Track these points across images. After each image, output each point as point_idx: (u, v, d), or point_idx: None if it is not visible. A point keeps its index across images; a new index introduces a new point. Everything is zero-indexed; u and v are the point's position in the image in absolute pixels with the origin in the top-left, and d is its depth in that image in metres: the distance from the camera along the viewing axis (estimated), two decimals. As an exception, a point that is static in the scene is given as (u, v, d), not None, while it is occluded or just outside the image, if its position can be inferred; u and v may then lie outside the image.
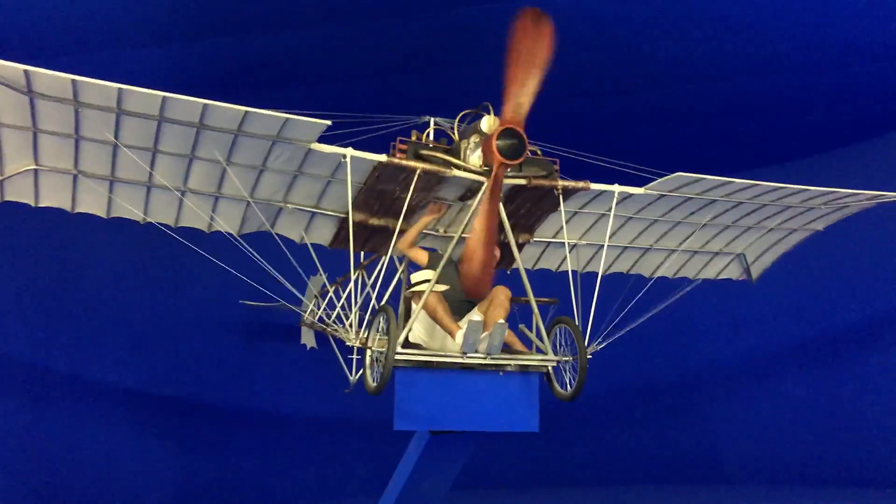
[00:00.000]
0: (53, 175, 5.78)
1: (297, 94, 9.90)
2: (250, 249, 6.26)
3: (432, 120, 6.66)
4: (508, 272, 7.03)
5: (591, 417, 12.11)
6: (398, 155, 5.88)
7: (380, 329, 5.75)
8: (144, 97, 4.93)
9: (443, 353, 5.75)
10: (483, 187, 5.79)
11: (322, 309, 8.56)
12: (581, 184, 6.33)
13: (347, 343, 6.01)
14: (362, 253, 7.15)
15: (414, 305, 6.01)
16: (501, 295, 6.16)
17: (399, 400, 5.66)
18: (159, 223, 6.30)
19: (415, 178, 5.85)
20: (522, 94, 5.34)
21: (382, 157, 5.77)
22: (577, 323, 6.07)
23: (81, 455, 11.02)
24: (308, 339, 10.20)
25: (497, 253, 5.99)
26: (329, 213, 6.50)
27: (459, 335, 5.74)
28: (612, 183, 6.47)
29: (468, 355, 5.68)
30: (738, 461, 12.24)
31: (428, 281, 5.93)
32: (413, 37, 8.36)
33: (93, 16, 7.97)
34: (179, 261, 10.89)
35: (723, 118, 10.39)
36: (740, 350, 12.57)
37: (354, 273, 7.08)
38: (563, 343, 6.10)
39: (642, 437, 12.69)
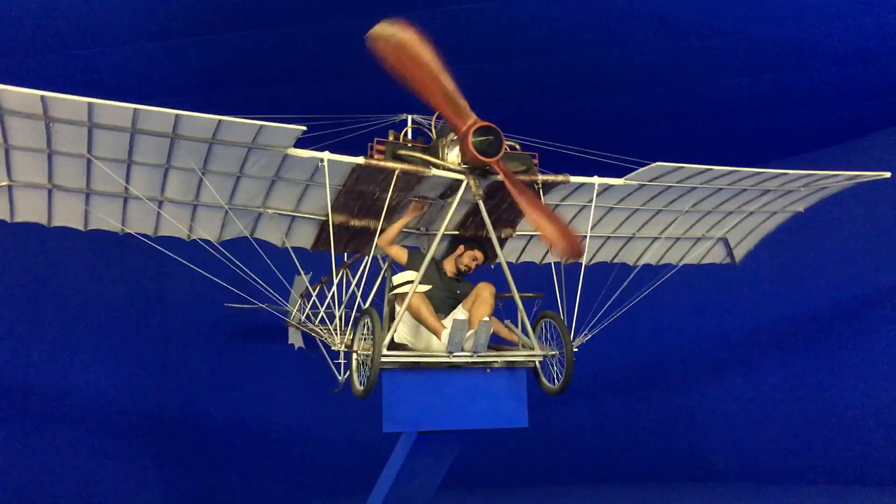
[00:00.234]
0: (28, 190, 5.72)
1: (272, 94, 9.87)
2: (231, 256, 6.23)
3: (410, 118, 6.63)
4: (493, 267, 7.03)
5: (576, 413, 12.03)
6: (376, 156, 5.85)
7: (365, 332, 5.74)
8: (115, 110, 4.88)
9: (429, 354, 5.75)
10: (462, 185, 5.80)
11: (307, 309, 8.54)
12: (561, 177, 6.32)
13: (333, 347, 5.99)
14: (345, 253, 7.13)
15: (398, 307, 6.00)
16: (485, 291, 6.17)
17: (386, 402, 5.65)
18: (138, 234, 6.27)
19: (394, 179, 5.82)
20: (446, 99, 5.28)
21: (360, 160, 5.74)
22: (561, 316, 6.08)
23: (64, 470, 10.92)
24: (295, 338, 10.17)
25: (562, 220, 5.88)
26: (309, 216, 6.46)
27: (445, 335, 5.73)
28: (592, 175, 6.47)
29: (454, 354, 5.67)
30: (726, 458, 12.16)
31: (411, 282, 5.91)
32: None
33: (80, 12, 7.86)
34: (163, 266, 10.79)
35: (716, 117, 10.41)
36: (725, 338, 12.49)
37: (337, 274, 7.08)
38: (549, 337, 6.12)
39: (629, 433, 12.57)
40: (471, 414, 5.86)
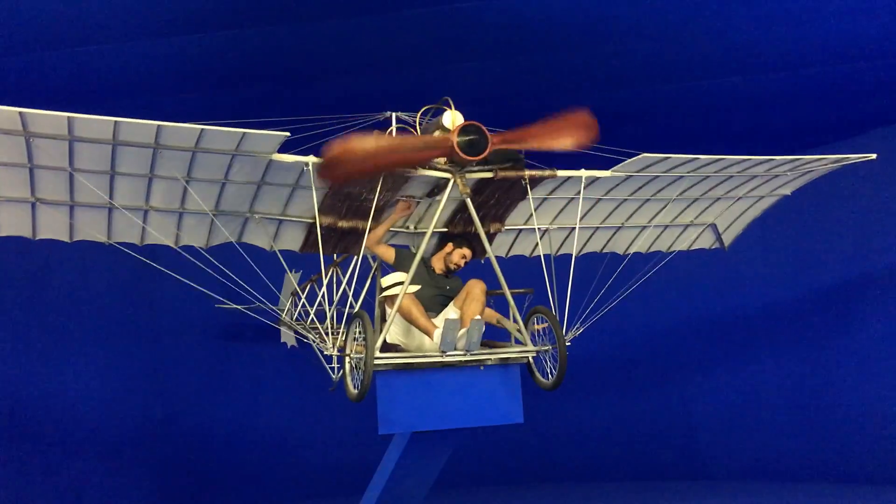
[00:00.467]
0: (11, 205, 5.66)
1: (258, 93, 9.79)
2: (218, 264, 6.21)
3: (393, 115, 6.59)
4: (483, 262, 7.02)
5: (568, 408, 11.90)
6: None
7: (356, 335, 5.72)
8: (96, 123, 4.84)
9: (422, 354, 5.75)
10: (449, 184, 5.79)
11: (298, 309, 8.50)
12: (548, 172, 6.30)
13: (325, 352, 5.98)
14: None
15: (388, 309, 5.98)
16: (476, 289, 6.15)
17: (381, 404, 5.65)
18: (125, 243, 6.23)
19: (380, 180, 5.79)
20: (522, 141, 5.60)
21: None
22: (553, 310, 6.09)
23: (54, 475, 10.88)
24: (287, 337, 10.15)
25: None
26: (297, 219, 6.43)
27: (437, 334, 5.73)
28: (579, 168, 6.45)
29: (447, 354, 5.67)
30: (721, 455, 12.01)
31: (400, 283, 5.90)
32: (374, 35, 8.27)
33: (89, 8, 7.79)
34: (153, 269, 10.71)
35: (708, 116, 10.48)
36: (720, 328, 12.33)
37: (326, 274, 7.06)
38: (542, 332, 6.12)
39: (622, 429, 12.40)
40: (466, 412, 5.86)
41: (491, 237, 6.94)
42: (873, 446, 10.84)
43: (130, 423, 11.59)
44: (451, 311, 6.18)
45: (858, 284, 11.47)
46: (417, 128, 6.23)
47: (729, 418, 12.01)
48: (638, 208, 7.33)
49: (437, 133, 5.85)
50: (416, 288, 6.10)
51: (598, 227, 7.55)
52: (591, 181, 6.55)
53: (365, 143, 5.14)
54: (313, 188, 5.72)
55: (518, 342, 6.14)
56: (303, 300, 7.75)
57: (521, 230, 7.31)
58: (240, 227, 6.42)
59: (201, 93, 9.66)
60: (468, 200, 5.88)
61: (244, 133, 5.11)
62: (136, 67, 8.96)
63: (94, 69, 8.85)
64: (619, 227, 7.61)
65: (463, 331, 5.69)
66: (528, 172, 6.21)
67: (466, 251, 6.57)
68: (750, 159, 6.56)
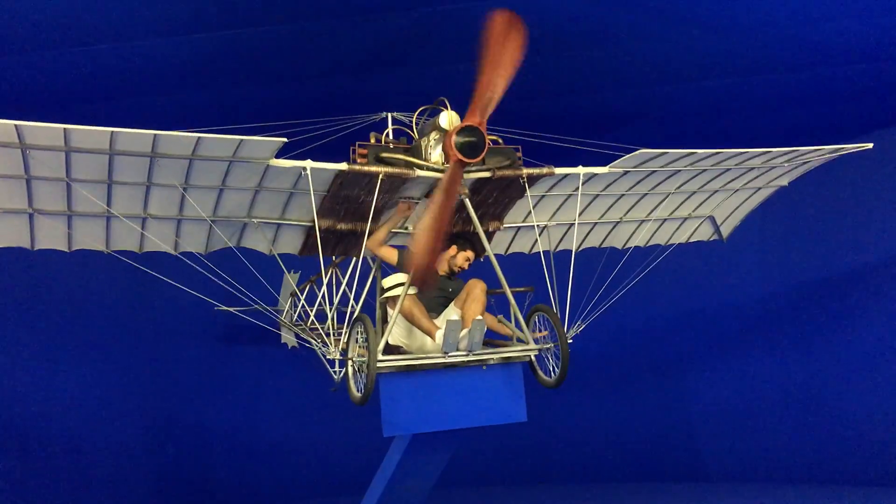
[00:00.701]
0: (8, 217, 5.65)
1: (251, 94, 9.76)
2: (216, 268, 6.21)
3: (390, 116, 6.58)
4: (482, 260, 7.01)
5: (568, 407, 11.79)
6: (359, 160, 5.80)
7: (358, 338, 5.73)
8: (92, 134, 4.82)
9: (424, 356, 5.74)
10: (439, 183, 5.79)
11: (298, 310, 8.51)
12: (545, 169, 6.29)
13: (328, 356, 5.97)
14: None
15: (390, 310, 5.98)
16: (477, 289, 6.15)
17: (385, 406, 5.65)
18: (124, 250, 6.22)
19: (378, 183, 5.79)
20: (490, 93, 5.31)
21: (343, 166, 5.69)
22: (554, 308, 6.10)
23: (55, 477, 10.87)
24: (288, 338, 10.15)
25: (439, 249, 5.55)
26: (295, 223, 6.42)
27: (439, 335, 5.73)
28: (577, 164, 6.45)
29: (450, 355, 5.68)
30: (720, 456, 11.85)
31: (401, 284, 5.90)
32: (370, 36, 8.25)
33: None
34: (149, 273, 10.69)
35: (711, 115, 10.43)
36: (720, 323, 12.20)
37: (326, 274, 7.05)
38: (543, 329, 6.13)
39: (622, 429, 12.27)
40: (469, 412, 5.87)
41: (490, 235, 6.95)
42: (873, 446, 10.72)
43: (131, 425, 11.58)
44: (452, 312, 6.18)
45: (858, 277, 11.39)
46: (414, 128, 6.21)
47: (729, 419, 11.87)
48: (636, 203, 7.34)
49: (433, 134, 5.85)
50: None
51: (596, 223, 7.54)
52: (589, 177, 6.55)
53: (424, 245, 5.16)
54: (311, 191, 5.70)
55: (520, 340, 6.14)
56: (301, 302, 7.75)
57: (519, 227, 7.31)
58: (238, 232, 6.42)
59: (198, 93, 9.65)
60: (466, 200, 5.89)
61: (241, 140, 5.10)
62: (131, 68, 8.95)
63: (92, 70, 8.84)
64: (618, 222, 7.61)
65: (465, 331, 5.69)
66: (525, 171, 6.21)
67: (470, 254, 6.56)
68: (747, 152, 6.57)
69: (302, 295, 8.35)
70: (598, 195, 7.03)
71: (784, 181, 7.56)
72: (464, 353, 5.70)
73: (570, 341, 6.01)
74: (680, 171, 6.74)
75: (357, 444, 11.31)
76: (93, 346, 11.59)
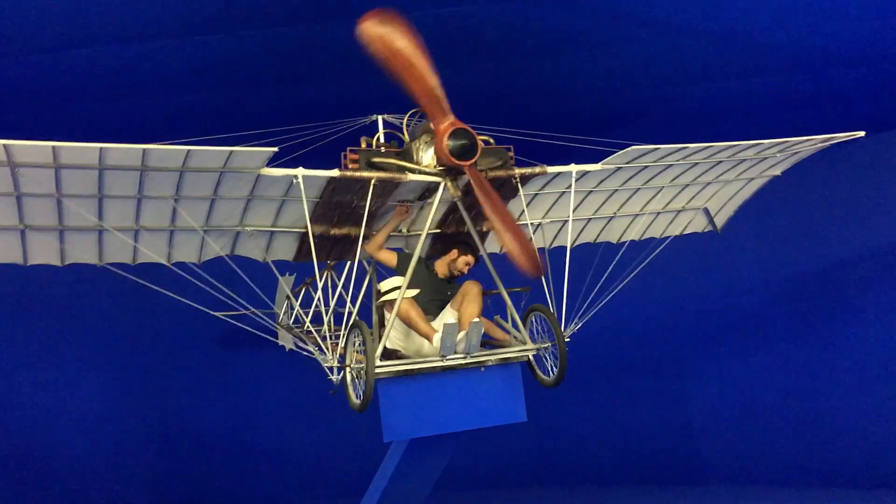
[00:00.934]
0: (0, 233, 5.61)
1: (242, 96, 9.72)
2: (211, 278, 6.21)
3: (380, 119, 6.56)
4: (476, 262, 7.00)
5: (567, 411, 11.78)
6: (350, 166, 5.78)
7: (356, 344, 5.72)
8: (81, 151, 4.79)
9: (422, 360, 5.74)
10: (440, 187, 5.78)
11: (294, 313, 8.48)
12: (538, 168, 6.28)
13: (325, 364, 5.96)
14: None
15: (387, 314, 5.98)
16: (473, 290, 6.15)
17: (384, 412, 5.67)
18: (118, 263, 6.19)
19: (370, 188, 5.76)
20: (432, 92, 5.30)
21: (335, 173, 5.65)
22: (550, 306, 6.10)
23: (54, 480, 10.88)
24: (286, 340, 10.11)
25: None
26: (288, 230, 6.39)
27: (436, 339, 5.73)
28: (569, 162, 6.43)
29: (448, 357, 5.68)
30: (718, 459, 11.73)
31: (398, 288, 5.89)
32: (357, 40, 8.21)
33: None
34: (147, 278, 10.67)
35: (706, 120, 10.41)
36: (716, 318, 12.05)
37: (321, 277, 7.04)
38: (540, 329, 6.13)
39: (621, 432, 12.18)
40: (470, 414, 5.89)
41: (484, 235, 6.93)
42: (872, 448, 10.62)
43: (129, 430, 11.61)
44: (448, 314, 6.18)
45: (855, 273, 11.26)
46: (405, 131, 6.19)
47: (727, 420, 11.78)
48: (630, 197, 7.33)
49: (424, 136, 5.83)
50: (414, 292, 6.10)
51: (590, 218, 7.53)
52: (582, 175, 6.53)
53: (515, 236, 5.46)
54: (304, 199, 5.67)
55: (517, 340, 6.15)
56: (297, 306, 7.75)
57: None
58: (232, 241, 6.38)
59: (186, 97, 9.59)
60: (459, 203, 5.87)
61: (231, 151, 5.07)
62: (125, 70, 8.92)
63: (89, 71, 8.80)
64: (612, 217, 7.60)
65: (462, 334, 5.69)
66: (518, 171, 6.20)
67: (471, 258, 6.55)
68: (738, 144, 6.56)
69: (298, 297, 8.34)
70: (591, 191, 7.02)
71: (777, 171, 7.55)
72: (462, 355, 5.71)
73: (568, 339, 6.02)
74: (672, 165, 6.73)
75: (356, 447, 11.34)
76: (90, 352, 11.61)
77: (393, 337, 6.19)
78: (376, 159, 5.82)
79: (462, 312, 6.05)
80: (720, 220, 8.17)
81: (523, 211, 6.73)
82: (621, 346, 12.07)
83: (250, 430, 12.18)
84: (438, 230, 6.83)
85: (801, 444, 11.13)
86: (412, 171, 5.80)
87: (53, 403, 11.27)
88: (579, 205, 7.15)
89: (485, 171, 6.03)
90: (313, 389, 8.52)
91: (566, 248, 6.84)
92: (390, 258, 6.38)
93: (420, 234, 6.13)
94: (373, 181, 5.71)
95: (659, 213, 7.75)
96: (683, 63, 9.13)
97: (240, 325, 6.81)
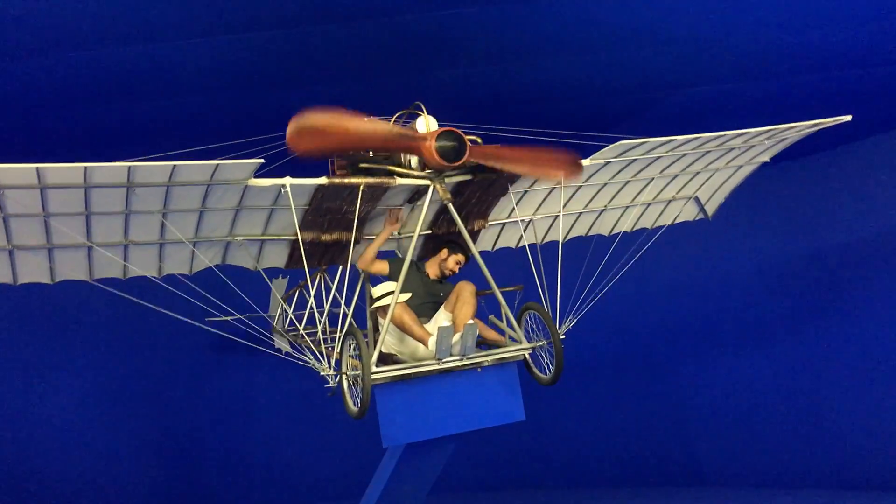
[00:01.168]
0: None
1: (230, 99, 9.64)
2: (199, 289, 6.20)
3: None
4: (468, 261, 6.99)
5: (565, 411, 11.72)
6: (338, 172, 5.76)
7: (351, 351, 5.71)
8: (65, 171, 4.77)
9: (418, 364, 5.74)
10: (430, 190, 5.76)
11: (288, 318, 8.46)
12: None
13: (321, 373, 5.95)
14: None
15: (381, 319, 5.97)
16: (466, 291, 6.15)
17: (382, 417, 5.67)
18: (108, 278, 6.17)
19: (360, 193, 5.74)
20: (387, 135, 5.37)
21: (323, 180, 5.63)
22: (544, 303, 6.11)
23: (50, 483, 10.86)
24: (281, 343, 10.10)
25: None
26: (279, 237, 6.37)
27: (431, 342, 5.73)
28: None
29: (443, 360, 5.68)
30: (715, 459, 11.64)
31: (391, 293, 5.88)
32: (349, 42, 8.18)
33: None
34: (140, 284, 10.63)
35: (698, 124, 10.34)
36: (704, 316, 11.94)
37: (313, 280, 7.02)
38: (535, 327, 6.13)
39: (618, 432, 12.06)
40: (467, 416, 5.90)
41: (476, 234, 6.92)
42: (871, 449, 10.50)
43: (124, 437, 11.49)
44: (442, 317, 6.17)
45: (853, 270, 11.09)
46: None
47: (725, 420, 11.66)
48: (620, 190, 7.31)
49: None
50: (407, 296, 6.09)
51: (581, 212, 7.52)
52: None
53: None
54: (293, 207, 5.64)
55: (513, 340, 6.15)
56: (290, 311, 7.74)
57: (505, 223, 7.27)
58: (222, 251, 6.37)
59: (184, 97, 9.54)
60: (450, 205, 5.85)
61: (217, 164, 5.05)
62: (120, 73, 8.83)
63: (86, 73, 8.71)
64: (603, 210, 7.59)
65: (457, 336, 5.69)
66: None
67: (461, 257, 6.55)
68: (725, 135, 6.55)
69: (292, 301, 8.33)
70: (581, 186, 7.00)
71: (765, 157, 7.55)
72: (457, 357, 5.71)
73: (563, 337, 6.03)
74: (661, 157, 6.73)
75: (352, 451, 11.30)
76: (83, 359, 11.53)
77: (387, 341, 6.18)
78: (364, 164, 5.80)
79: (456, 314, 6.04)
80: (711, 208, 8.18)
81: (513, 209, 6.72)
82: (616, 341, 12.00)
83: (245, 436, 12.12)
84: (429, 231, 6.81)
85: (800, 443, 11.08)
86: (401, 174, 5.77)
87: (45, 410, 11.21)
88: (570, 199, 7.15)
89: (474, 172, 6.01)
90: (310, 392, 8.53)
91: (558, 242, 6.87)
92: (382, 268, 6.36)
93: (412, 237, 6.12)
94: (361, 186, 5.68)
95: (650, 204, 7.74)
96: (670, 68, 9.11)
97: (231, 337, 6.76)
